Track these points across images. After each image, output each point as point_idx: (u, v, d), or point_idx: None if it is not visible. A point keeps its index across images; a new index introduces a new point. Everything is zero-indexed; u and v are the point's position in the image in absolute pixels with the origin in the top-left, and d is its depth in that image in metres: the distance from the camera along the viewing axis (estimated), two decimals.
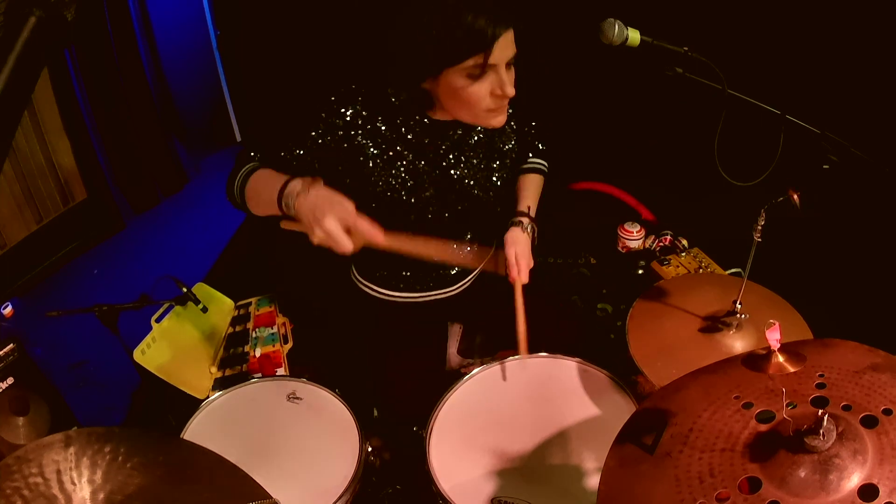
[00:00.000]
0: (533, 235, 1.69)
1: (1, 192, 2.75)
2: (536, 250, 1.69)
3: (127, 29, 3.24)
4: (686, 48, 1.38)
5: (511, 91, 1.39)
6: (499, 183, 1.66)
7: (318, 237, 1.25)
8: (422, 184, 1.56)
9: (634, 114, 2.32)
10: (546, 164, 1.87)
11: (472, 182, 1.61)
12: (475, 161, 1.61)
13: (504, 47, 1.34)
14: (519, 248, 1.62)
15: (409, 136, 1.52)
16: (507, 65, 1.39)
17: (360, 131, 1.48)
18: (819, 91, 1.67)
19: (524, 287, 1.59)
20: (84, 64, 3.07)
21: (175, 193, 3.70)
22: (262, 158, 1.50)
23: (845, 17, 1.70)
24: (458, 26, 1.31)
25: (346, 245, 1.23)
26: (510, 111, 1.59)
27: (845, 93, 1.70)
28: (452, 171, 1.59)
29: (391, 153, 1.52)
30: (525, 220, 1.68)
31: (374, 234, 1.28)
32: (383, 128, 1.50)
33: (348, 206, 1.26)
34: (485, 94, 1.39)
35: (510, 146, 1.68)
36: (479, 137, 1.61)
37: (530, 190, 1.79)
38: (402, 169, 1.53)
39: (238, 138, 4.02)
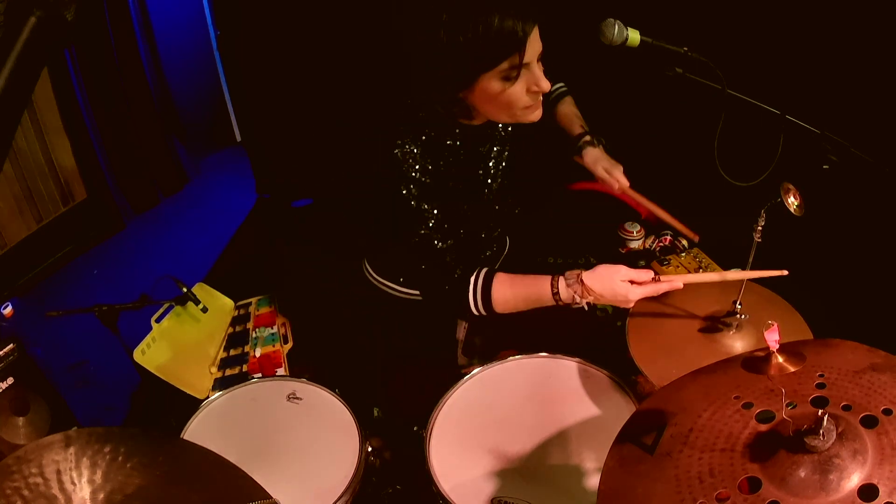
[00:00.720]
0: (602, 145, 1.78)
1: (1, 192, 2.75)
2: (537, 251, 1.69)
3: (127, 29, 3.24)
4: (686, 48, 1.38)
5: (546, 85, 1.38)
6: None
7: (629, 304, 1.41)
8: (480, 188, 1.59)
9: (634, 114, 2.32)
10: (564, 83, 1.91)
11: (516, 167, 1.66)
12: (513, 150, 1.65)
13: (534, 43, 1.34)
14: (603, 162, 1.72)
15: (457, 149, 1.53)
16: (538, 60, 1.38)
17: (428, 159, 1.48)
18: (819, 91, 1.66)
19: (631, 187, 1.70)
20: (84, 64, 3.06)
21: (175, 193, 3.69)
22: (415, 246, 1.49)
23: (845, 17, 1.70)
24: (487, 31, 1.29)
25: (661, 287, 1.38)
26: None
27: (845, 93, 1.69)
28: (504, 166, 1.63)
29: (454, 166, 1.54)
30: (589, 137, 1.77)
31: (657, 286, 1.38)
32: (432, 151, 1.50)
33: (625, 276, 1.38)
34: (522, 93, 1.39)
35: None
36: (507, 130, 1.64)
37: (572, 114, 1.85)
38: (462, 177, 1.56)
39: (238, 138, 4.02)
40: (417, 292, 1.73)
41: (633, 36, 1.38)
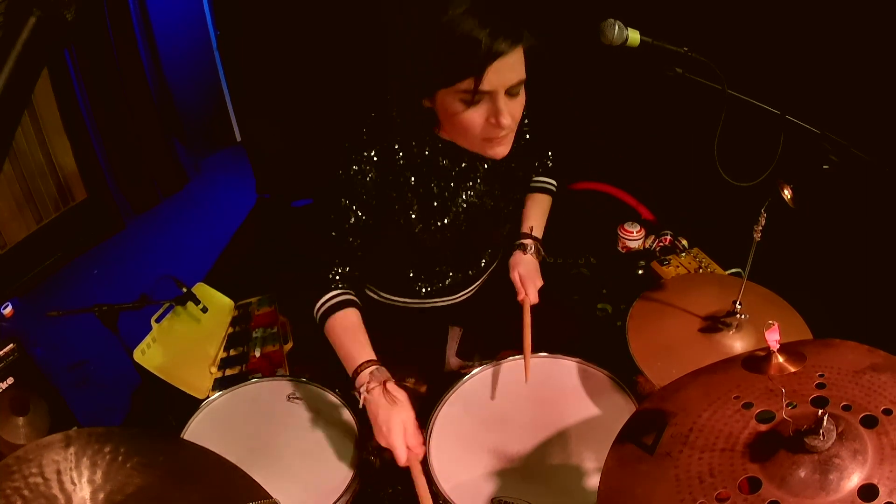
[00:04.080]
0: (539, 255, 1.66)
1: (1, 192, 2.75)
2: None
3: (127, 29, 3.24)
4: (686, 48, 1.38)
5: (505, 121, 1.26)
6: (512, 206, 1.63)
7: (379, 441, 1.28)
8: (443, 209, 1.49)
9: (634, 114, 2.32)
10: (555, 182, 1.81)
11: (489, 204, 1.56)
12: (490, 183, 1.54)
13: (504, 71, 1.22)
14: (522, 269, 1.61)
15: (423, 159, 1.45)
16: (510, 91, 1.26)
17: (387, 168, 1.43)
18: (819, 91, 1.66)
19: (532, 308, 1.57)
20: (84, 64, 3.07)
21: (175, 193, 3.70)
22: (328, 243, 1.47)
23: (845, 17, 1.70)
24: (450, 42, 1.19)
25: (401, 461, 1.25)
26: (526, 135, 1.55)
27: (845, 93, 1.69)
28: (470, 193, 1.52)
29: (417, 181, 1.46)
30: (528, 242, 1.65)
31: (411, 457, 1.26)
32: (401, 155, 1.42)
33: (408, 421, 1.27)
34: (479, 122, 1.28)
35: (523, 172, 1.63)
36: (491, 161, 1.51)
37: (535, 209, 1.74)
38: (426, 194, 1.47)
39: (238, 138, 4.02)
40: (398, 298, 1.72)
41: (633, 36, 1.38)
